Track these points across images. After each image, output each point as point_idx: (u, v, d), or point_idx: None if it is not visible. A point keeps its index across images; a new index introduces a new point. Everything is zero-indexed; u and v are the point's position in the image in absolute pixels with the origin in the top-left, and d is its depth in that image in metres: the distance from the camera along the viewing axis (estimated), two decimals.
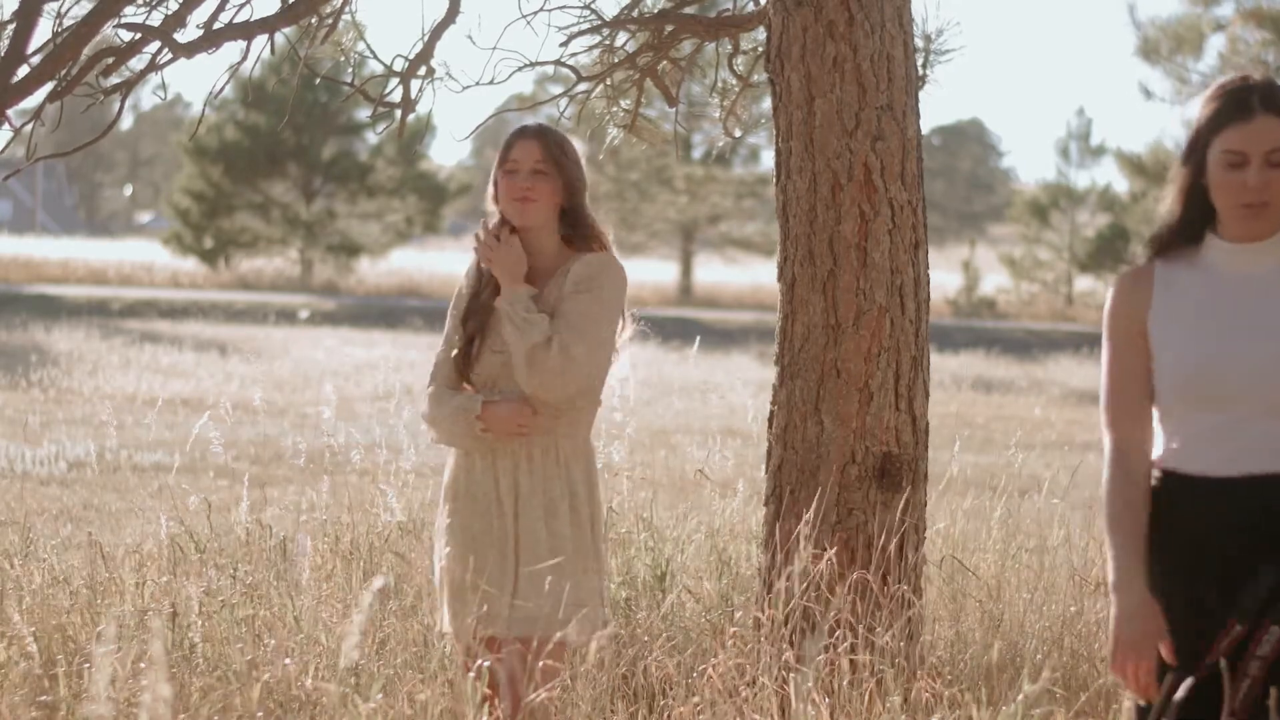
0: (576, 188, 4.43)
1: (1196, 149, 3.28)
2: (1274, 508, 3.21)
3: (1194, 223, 3.30)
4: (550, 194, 4.39)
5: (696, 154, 40.33)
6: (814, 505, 4.99)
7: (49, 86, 5.36)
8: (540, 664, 4.11)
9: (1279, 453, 3.23)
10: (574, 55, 6.29)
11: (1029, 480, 8.25)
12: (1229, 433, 3.24)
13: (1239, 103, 3.23)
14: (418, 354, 22.70)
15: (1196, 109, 3.31)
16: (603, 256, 4.40)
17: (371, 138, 42.65)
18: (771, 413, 5.28)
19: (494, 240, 4.39)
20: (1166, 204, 3.36)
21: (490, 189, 4.49)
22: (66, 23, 5.34)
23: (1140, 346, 3.33)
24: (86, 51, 5.38)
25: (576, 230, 4.44)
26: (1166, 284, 3.33)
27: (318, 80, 6.92)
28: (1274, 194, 3.22)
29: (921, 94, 5.34)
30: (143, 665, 4.45)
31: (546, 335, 4.25)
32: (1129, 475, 3.29)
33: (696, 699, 4.39)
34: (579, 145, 4.50)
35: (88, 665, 4.60)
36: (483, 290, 4.46)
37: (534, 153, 4.39)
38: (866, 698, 4.35)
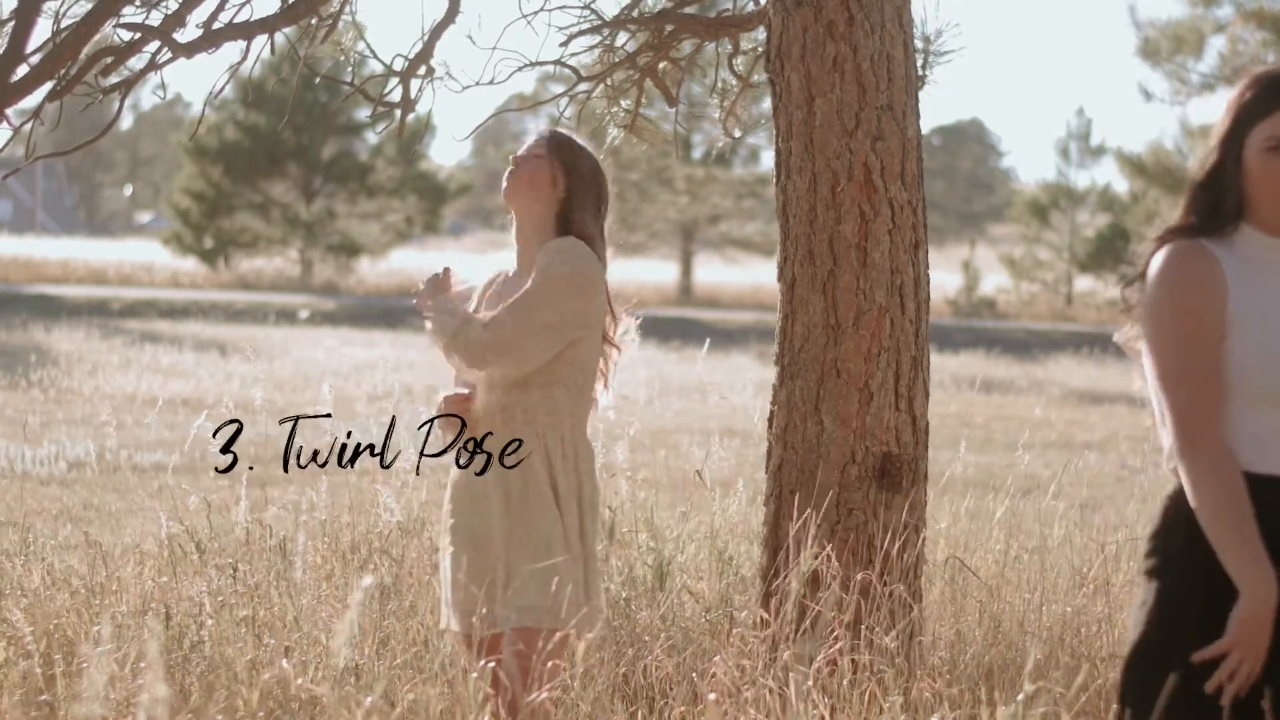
0: (576, 190, 4.40)
1: (1233, 138, 3.18)
2: None
3: (1227, 212, 3.18)
4: (537, 177, 4.37)
5: (696, 154, 40.35)
6: (814, 505, 4.99)
7: (48, 86, 5.35)
8: (534, 661, 4.12)
9: None
10: (574, 55, 6.29)
11: (1029, 480, 8.25)
12: None
13: None
14: (417, 354, 22.70)
15: (1226, 102, 3.21)
16: (564, 241, 4.32)
17: (371, 138, 42.69)
18: (771, 413, 5.28)
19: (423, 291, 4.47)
20: (1188, 195, 3.22)
21: None
22: (66, 22, 5.34)
23: (1219, 332, 3.12)
24: (86, 51, 5.38)
25: (571, 228, 4.40)
26: (1233, 265, 3.16)
27: (318, 80, 6.93)
28: None
29: (921, 94, 5.34)
30: (143, 665, 4.45)
31: (466, 317, 4.30)
32: (1236, 471, 3.08)
33: (706, 701, 4.39)
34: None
35: (86, 665, 4.60)
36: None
37: (533, 145, 4.46)
38: (866, 698, 4.35)
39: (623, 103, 6.43)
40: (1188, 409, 3.11)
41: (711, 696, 4.14)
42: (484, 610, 4.23)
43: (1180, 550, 3.17)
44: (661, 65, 6.26)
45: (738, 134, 6.54)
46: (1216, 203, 3.19)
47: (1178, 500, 3.21)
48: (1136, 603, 3.26)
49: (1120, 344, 3.36)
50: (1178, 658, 3.11)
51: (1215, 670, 3.08)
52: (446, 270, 4.51)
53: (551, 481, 4.32)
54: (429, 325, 4.37)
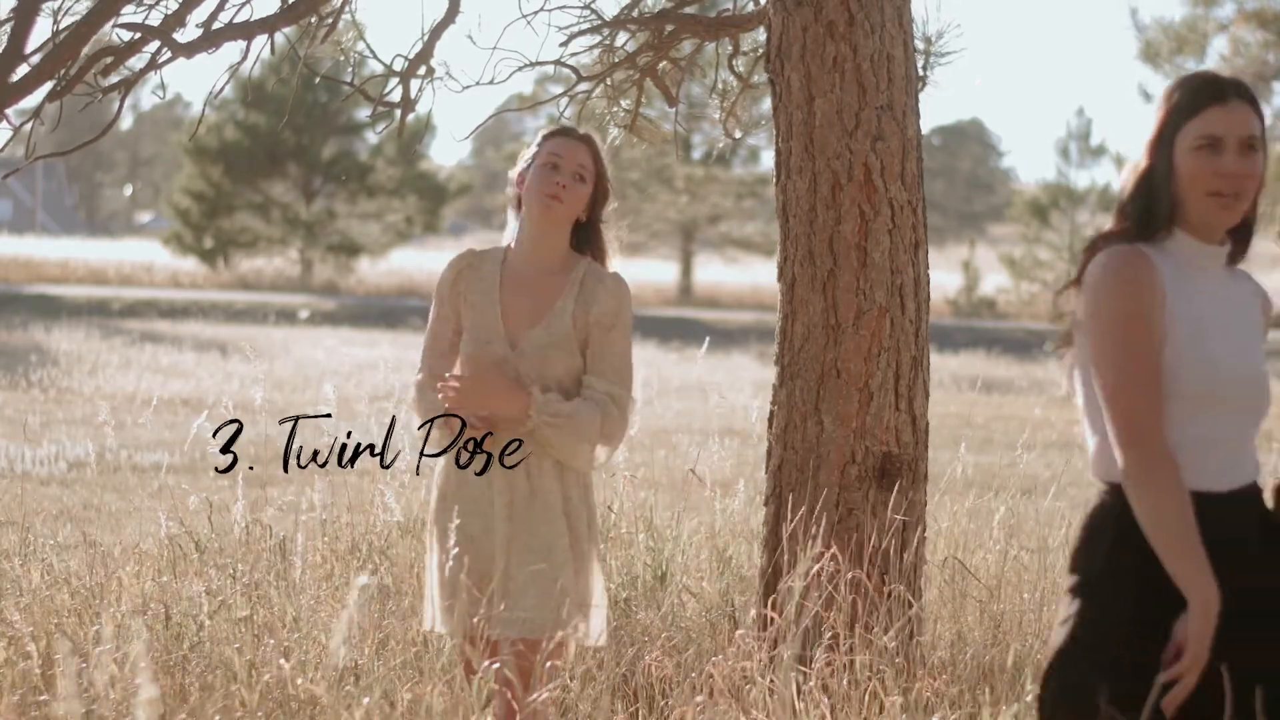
0: (604, 202, 4.43)
1: (1163, 141, 3.14)
2: (1265, 518, 3.16)
3: (1160, 217, 3.14)
4: (579, 202, 4.37)
5: (696, 154, 40.34)
6: (814, 505, 4.99)
7: (48, 86, 5.35)
8: (535, 664, 4.11)
9: (1256, 463, 3.18)
10: (574, 55, 6.30)
11: (1028, 480, 8.25)
12: (1224, 442, 3.12)
13: (1214, 89, 3.13)
14: (418, 354, 22.68)
15: (1157, 104, 3.17)
16: (617, 280, 4.39)
17: (371, 138, 42.70)
18: (771, 413, 5.28)
19: (452, 390, 4.31)
20: (1121, 199, 3.19)
21: (515, 176, 4.45)
22: (66, 22, 5.34)
23: (1158, 338, 3.08)
24: (86, 51, 5.38)
25: (588, 240, 4.43)
26: (1169, 271, 3.13)
27: (318, 80, 6.93)
28: (1246, 186, 3.11)
29: (921, 94, 5.34)
30: (142, 665, 4.45)
31: (599, 409, 4.27)
32: (1182, 482, 3.05)
33: (700, 703, 4.39)
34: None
35: (85, 665, 4.60)
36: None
37: (580, 157, 4.38)
38: (866, 698, 4.35)
39: (623, 103, 6.43)
40: (1133, 417, 3.06)
41: (698, 698, 4.13)
42: (481, 611, 4.23)
43: (1106, 564, 3.12)
44: (661, 65, 6.26)
45: (738, 134, 6.54)
46: (1149, 208, 3.16)
47: (1100, 515, 3.17)
48: (1059, 618, 3.19)
49: (1051, 352, 3.33)
50: (1107, 671, 3.06)
51: (1137, 683, 3.02)
52: (489, 376, 4.35)
53: (563, 490, 4.31)
54: (545, 435, 4.24)
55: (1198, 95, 3.13)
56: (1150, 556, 3.04)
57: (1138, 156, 3.19)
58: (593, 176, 4.38)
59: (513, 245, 4.44)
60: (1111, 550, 3.11)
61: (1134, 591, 3.07)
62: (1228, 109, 3.11)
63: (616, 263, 4.50)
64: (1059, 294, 3.25)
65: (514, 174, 4.46)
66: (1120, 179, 3.24)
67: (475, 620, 4.21)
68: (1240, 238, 3.22)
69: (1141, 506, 3.05)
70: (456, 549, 4.31)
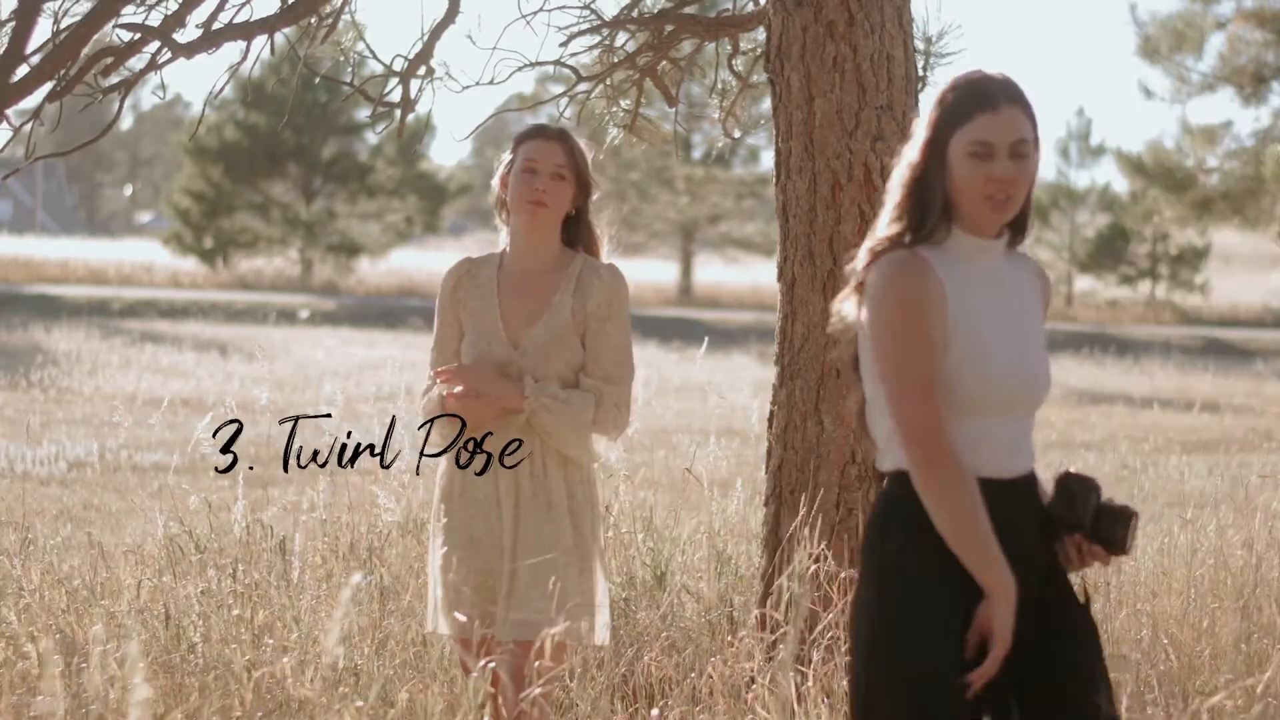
0: (588, 194, 4.44)
1: (936, 143, 3.18)
2: (1038, 503, 3.27)
3: (937, 218, 3.19)
4: (563, 201, 4.38)
5: (696, 154, 40.34)
6: (814, 505, 4.99)
7: (48, 86, 5.36)
8: (538, 663, 4.11)
9: (1031, 453, 3.28)
10: (574, 55, 6.30)
11: None
12: (1001, 438, 3.21)
13: (983, 94, 3.16)
14: (418, 354, 22.70)
15: (930, 105, 3.21)
16: (612, 271, 4.40)
17: (371, 138, 42.71)
18: (771, 413, 5.28)
19: (452, 380, 4.31)
20: (894, 200, 3.22)
21: (498, 180, 4.46)
22: (66, 22, 5.35)
23: (938, 339, 3.15)
24: (86, 51, 5.38)
25: (579, 234, 4.45)
26: (948, 272, 3.19)
27: (318, 80, 6.93)
28: (1017, 189, 3.17)
29: (921, 95, 5.35)
30: (140, 666, 4.44)
31: (595, 397, 4.28)
32: (972, 480, 3.13)
33: (701, 706, 4.39)
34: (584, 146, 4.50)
35: (85, 666, 4.60)
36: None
37: (556, 156, 4.37)
38: None
39: (622, 103, 6.43)
40: (920, 422, 3.13)
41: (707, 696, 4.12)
42: (484, 611, 4.22)
43: (900, 551, 3.18)
44: (661, 65, 6.26)
45: (737, 134, 6.54)
46: (926, 209, 3.20)
47: (892, 504, 3.23)
48: (855, 600, 3.25)
49: (838, 365, 3.38)
50: (916, 660, 3.12)
51: (945, 669, 3.10)
52: (485, 364, 4.37)
53: (567, 489, 4.32)
54: (541, 420, 4.26)
55: (969, 101, 3.17)
56: (944, 544, 3.13)
57: (911, 156, 3.23)
58: (572, 172, 4.39)
59: (507, 250, 4.46)
60: (907, 538, 3.18)
61: (932, 579, 3.15)
62: (998, 115, 3.16)
63: (615, 259, 4.52)
64: (840, 300, 3.31)
65: (496, 178, 4.48)
66: (892, 177, 3.27)
67: (476, 624, 4.21)
68: (1017, 226, 3.29)
69: (931, 502, 3.14)
70: (445, 549, 4.31)
